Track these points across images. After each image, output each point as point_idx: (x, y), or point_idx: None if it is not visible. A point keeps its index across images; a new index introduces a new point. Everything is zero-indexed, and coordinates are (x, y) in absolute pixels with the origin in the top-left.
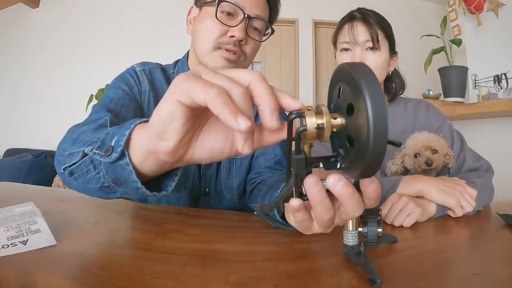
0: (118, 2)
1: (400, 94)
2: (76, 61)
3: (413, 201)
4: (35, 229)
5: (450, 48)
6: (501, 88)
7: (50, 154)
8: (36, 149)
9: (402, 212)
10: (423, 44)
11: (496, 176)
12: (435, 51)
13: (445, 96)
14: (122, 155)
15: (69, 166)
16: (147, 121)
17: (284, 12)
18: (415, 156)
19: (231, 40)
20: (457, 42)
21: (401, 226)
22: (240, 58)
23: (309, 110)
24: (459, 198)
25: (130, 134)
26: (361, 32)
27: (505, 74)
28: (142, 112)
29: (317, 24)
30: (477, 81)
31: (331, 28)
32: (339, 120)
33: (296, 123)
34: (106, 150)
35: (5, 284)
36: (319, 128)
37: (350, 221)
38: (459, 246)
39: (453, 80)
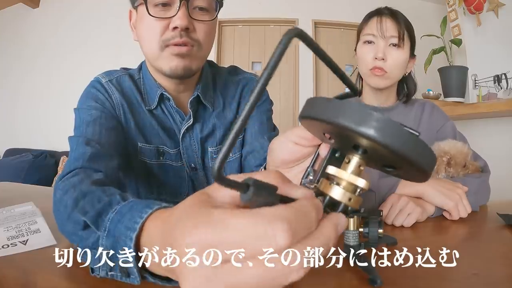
0: (118, 1)
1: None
2: (76, 61)
3: (412, 200)
4: (35, 229)
5: (450, 48)
6: (501, 88)
7: (50, 154)
8: (36, 149)
9: (402, 212)
10: (423, 44)
11: (496, 176)
12: (435, 51)
13: (445, 96)
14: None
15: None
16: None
17: (284, 12)
18: (464, 166)
19: (176, 33)
20: (457, 42)
21: (401, 226)
22: (194, 48)
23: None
24: (458, 201)
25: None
26: (389, 26)
27: (505, 74)
28: (122, 127)
29: (317, 24)
30: (477, 81)
31: (331, 28)
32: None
33: None
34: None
35: (5, 284)
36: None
37: (352, 221)
38: (459, 246)
39: (453, 80)
